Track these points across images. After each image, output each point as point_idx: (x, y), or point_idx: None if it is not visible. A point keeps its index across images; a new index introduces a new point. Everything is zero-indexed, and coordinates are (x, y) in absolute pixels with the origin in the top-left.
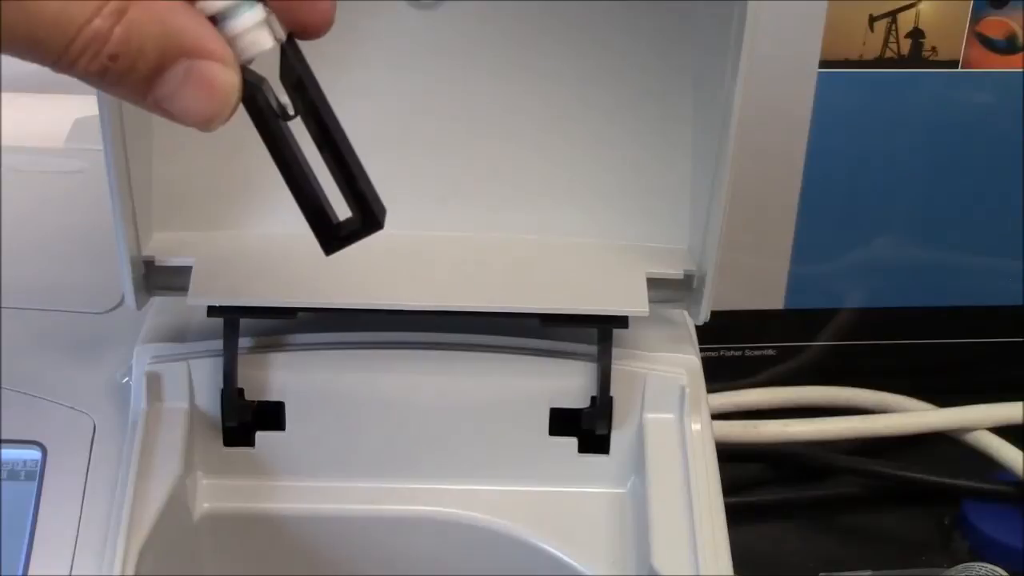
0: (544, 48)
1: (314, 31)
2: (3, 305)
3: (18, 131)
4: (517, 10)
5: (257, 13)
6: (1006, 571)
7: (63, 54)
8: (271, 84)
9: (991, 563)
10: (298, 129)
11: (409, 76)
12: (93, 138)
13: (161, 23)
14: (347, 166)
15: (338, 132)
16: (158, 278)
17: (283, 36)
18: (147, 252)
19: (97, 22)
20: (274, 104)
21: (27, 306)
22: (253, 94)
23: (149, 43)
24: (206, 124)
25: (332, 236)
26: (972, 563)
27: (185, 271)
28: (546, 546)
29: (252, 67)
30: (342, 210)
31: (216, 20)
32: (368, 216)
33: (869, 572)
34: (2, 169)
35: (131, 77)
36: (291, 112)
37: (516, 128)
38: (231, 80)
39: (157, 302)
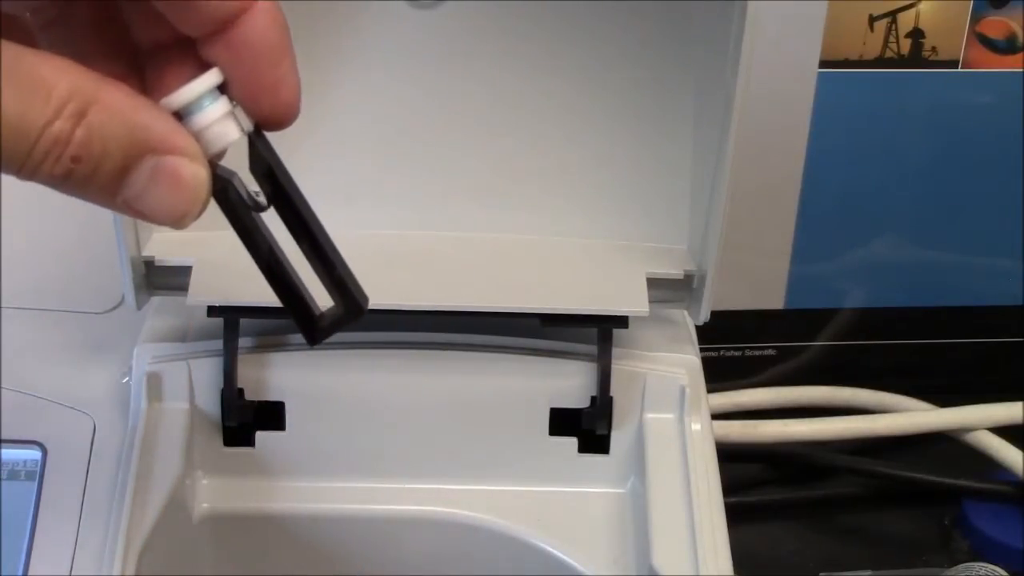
0: (544, 48)
1: (279, 121)
2: (3, 305)
3: None
4: (517, 10)
5: (222, 106)
6: (1006, 571)
7: (25, 161)
8: (242, 178)
9: (991, 563)
10: (273, 221)
11: (409, 76)
12: None
13: (124, 121)
14: (325, 254)
15: (313, 220)
16: (158, 278)
17: (250, 127)
18: (147, 252)
19: (58, 124)
20: (246, 197)
21: (27, 306)
22: (224, 187)
23: (112, 143)
24: (177, 221)
25: (315, 327)
26: (972, 563)
27: (185, 271)
28: (546, 546)
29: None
30: (318, 292)
31: (180, 116)
32: (351, 303)
33: (869, 572)
34: None
35: (97, 179)
36: (264, 203)
37: (516, 128)
38: (199, 174)
39: (157, 302)
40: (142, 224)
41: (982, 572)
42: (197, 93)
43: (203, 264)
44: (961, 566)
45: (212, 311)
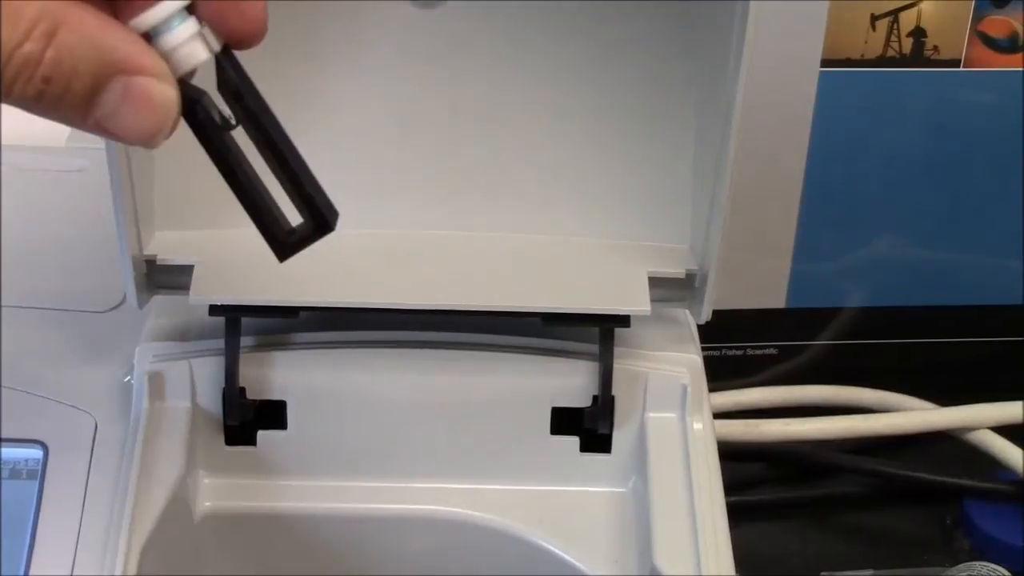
0: (545, 47)
1: (248, 40)
2: (4, 304)
3: (19, 129)
4: (517, 10)
5: (190, 26)
6: (1008, 570)
7: None
8: (212, 97)
9: (993, 562)
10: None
11: (410, 75)
12: (95, 137)
13: (92, 42)
14: (293, 172)
15: (282, 138)
16: (160, 277)
17: (217, 47)
18: (149, 251)
19: (28, 46)
20: (216, 116)
21: (28, 305)
22: (193, 107)
23: (82, 63)
24: (148, 140)
25: (284, 243)
26: (974, 562)
27: (187, 270)
28: (548, 545)
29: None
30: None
31: (149, 37)
32: (319, 219)
33: (871, 571)
34: (3, 168)
35: (68, 99)
36: (232, 122)
37: (517, 127)
38: (168, 94)
39: (159, 301)
40: (144, 223)
41: (983, 571)
42: (165, 14)
43: (205, 263)
44: (962, 565)
45: (214, 310)
